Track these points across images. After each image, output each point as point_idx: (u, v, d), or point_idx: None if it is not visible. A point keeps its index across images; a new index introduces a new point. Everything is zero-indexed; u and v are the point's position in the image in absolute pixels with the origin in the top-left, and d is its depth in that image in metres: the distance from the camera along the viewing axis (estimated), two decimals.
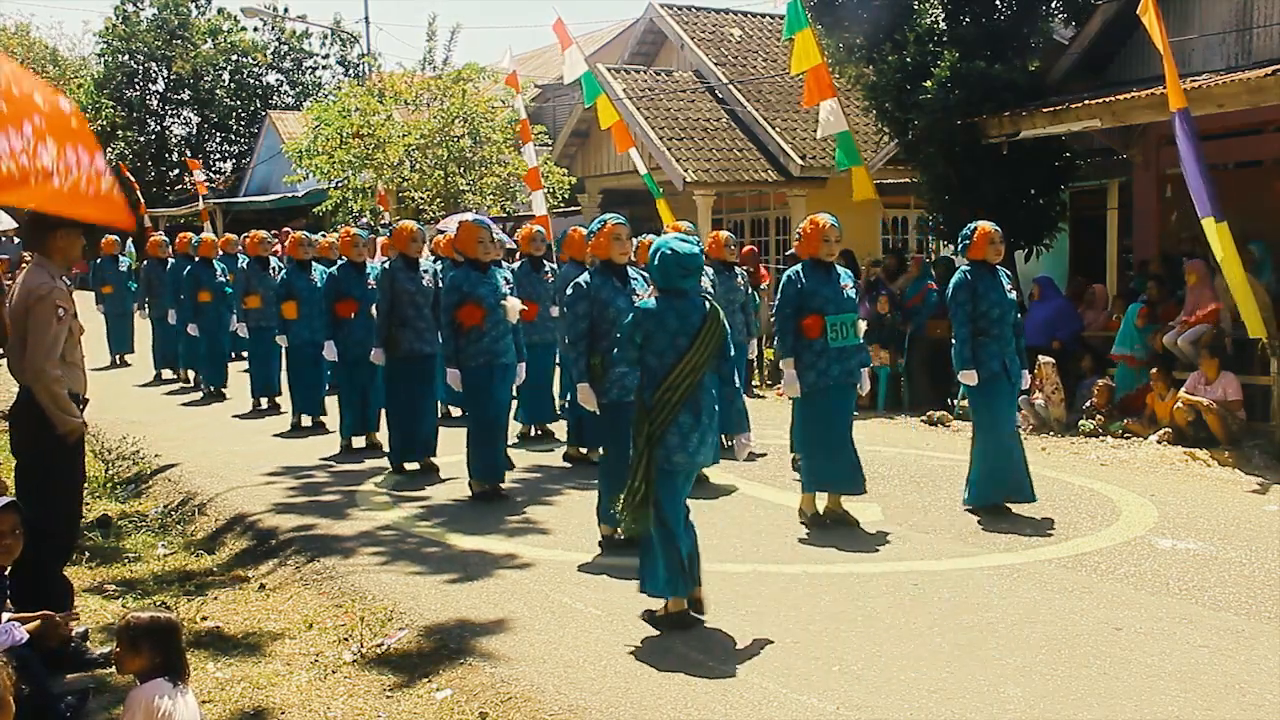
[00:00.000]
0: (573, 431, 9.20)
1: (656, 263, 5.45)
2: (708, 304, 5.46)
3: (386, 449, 9.13)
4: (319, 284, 10.82)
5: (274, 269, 12.07)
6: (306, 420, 11.15)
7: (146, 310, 15.53)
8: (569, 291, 6.67)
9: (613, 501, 5.72)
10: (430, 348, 9.01)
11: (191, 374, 14.65)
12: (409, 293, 8.90)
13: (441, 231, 15.28)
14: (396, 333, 8.87)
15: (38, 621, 4.39)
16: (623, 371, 5.99)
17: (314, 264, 11.41)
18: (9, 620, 4.29)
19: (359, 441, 9.94)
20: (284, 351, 11.47)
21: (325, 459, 9.61)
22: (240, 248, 13.86)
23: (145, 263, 15.82)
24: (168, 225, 30.84)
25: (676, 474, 5.32)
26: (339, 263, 10.10)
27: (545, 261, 10.36)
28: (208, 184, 33.06)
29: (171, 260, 14.97)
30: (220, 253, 14.57)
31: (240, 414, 12.10)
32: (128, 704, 3.75)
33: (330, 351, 9.72)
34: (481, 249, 7.90)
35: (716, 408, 5.42)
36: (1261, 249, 10.61)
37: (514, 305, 7.97)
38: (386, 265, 9.15)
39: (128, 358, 16.69)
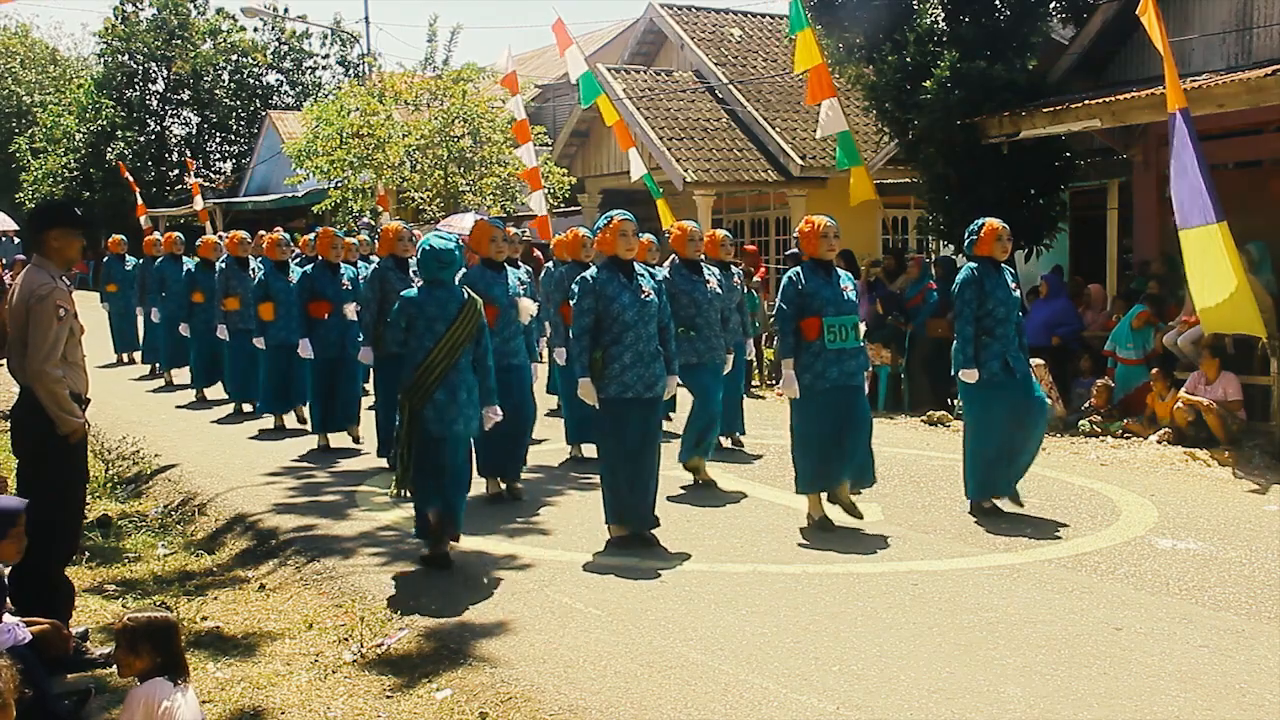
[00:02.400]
0: (571, 430, 9.28)
1: (419, 258, 6.39)
2: (467, 294, 6.34)
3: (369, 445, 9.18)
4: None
5: (253, 270, 12.04)
6: (285, 421, 11.13)
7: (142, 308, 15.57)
8: (574, 287, 6.68)
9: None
10: None
11: (167, 371, 14.57)
12: (397, 293, 8.91)
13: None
14: (382, 332, 8.91)
15: (46, 626, 4.38)
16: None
17: (290, 265, 11.35)
18: (15, 621, 4.29)
19: (335, 439, 9.96)
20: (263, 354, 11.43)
21: (300, 459, 9.59)
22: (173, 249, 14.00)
23: (141, 261, 15.83)
24: (168, 225, 30.83)
25: (437, 443, 6.13)
26: (314, 262, 10.08)
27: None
28: (206, 184, 33.08)
29: (159, 259, 15.02)
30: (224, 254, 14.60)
31: (219, 419, 11.89)
32: (127, 702, 3.75)
33: (306, 350, 9.71)
34: (494, 248, 7.92)
35: (474, 387, 6.30)
36: (1259, 249, 10.60)
37: (527, 306, 7.99)
38: (376, 265, 9.19)
39: (133, 356, 16.68)
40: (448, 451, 6.22)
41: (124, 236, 16.89)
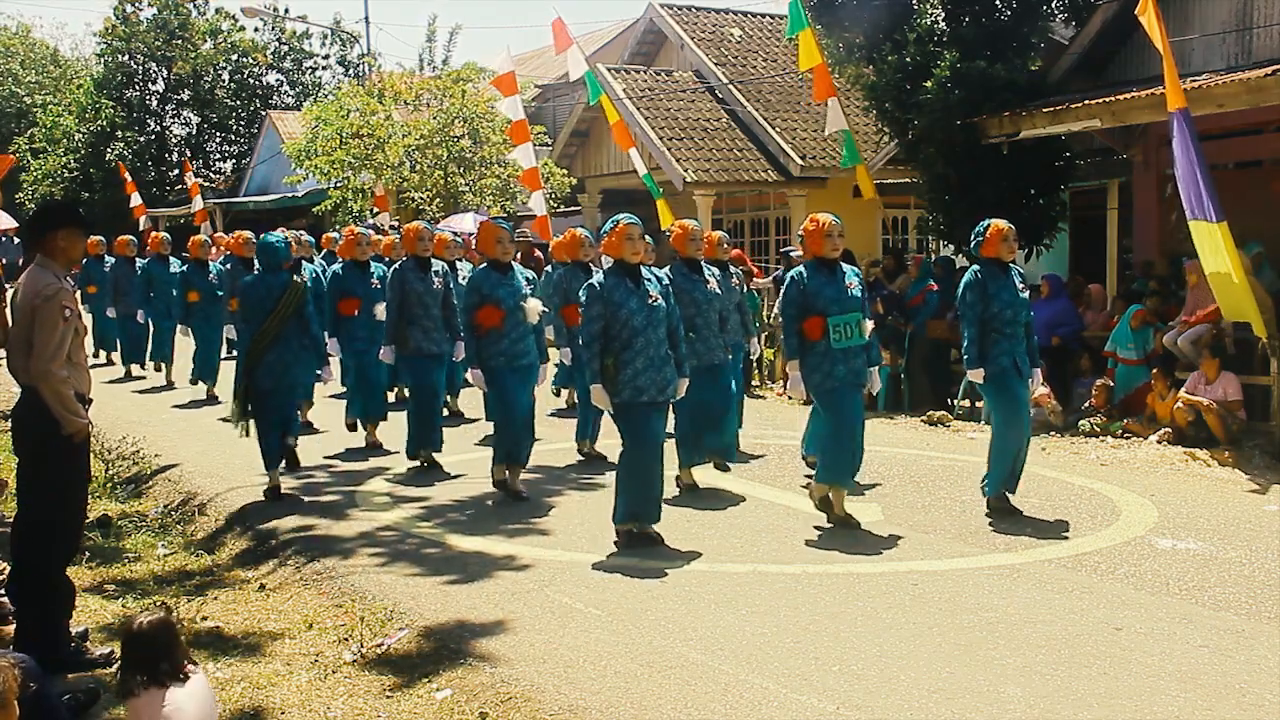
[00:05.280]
0: (581, 429, 9.30)
1: (255, 252, 8.75)
2: (292, 279, 8.08)
3: (399, 445, 9.17)
4: (308, 284, 10.78)
5: (258, 269, 11.99)
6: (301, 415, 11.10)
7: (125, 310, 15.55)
8: (582, 293, 6.67)
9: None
10: (438, 347, 9.15)
11: (163, 367, 14.55)
12: (418, 292, 9.05)
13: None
14: (405, 331, 8.99)
15: None
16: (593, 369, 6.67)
17: (304, 263, 11.34)
18: None
19: (365, 432, 10.01)
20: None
21: (328, 457, 9.62)
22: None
23: (115, 261, 15.81)
24: (168, 225, 30.83)
25: (269, 394, 7.95)
26: (342, 261, 10.20)
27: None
28: (206, 184, 33.05)
29: (142, 261, 14.99)
30: (224, 253, 14.64)
31: (219, 419, 11.71)
32: (129, 709, 3.77)
33: (334, 348, 9.77)
34: (500, 249, 7.92)
35: (300, 351, 8.04)
36: (1257, 249, 10.60)
37: (534, 306, 7.99)
38: (397, 265, 9.27)
39: (113, 356, 16.57)
40: (276, 400, 8.03)
41: (102, 238, 16.80)
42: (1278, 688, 4.58)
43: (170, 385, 14.17)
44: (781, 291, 7.32)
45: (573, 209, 22.41)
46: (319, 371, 8.48)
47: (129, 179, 26.87)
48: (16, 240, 26.23)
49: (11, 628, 5.17)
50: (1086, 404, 10.86)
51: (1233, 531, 7.05)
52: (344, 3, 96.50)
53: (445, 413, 11.16)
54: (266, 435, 8.09)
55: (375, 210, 20.65)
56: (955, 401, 11.62)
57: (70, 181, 36.30)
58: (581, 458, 9.31)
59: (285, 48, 40.87)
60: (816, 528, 7.10)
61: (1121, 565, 6.29)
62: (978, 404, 10.93)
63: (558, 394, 11.77)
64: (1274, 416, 9.44)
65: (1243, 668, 4.79)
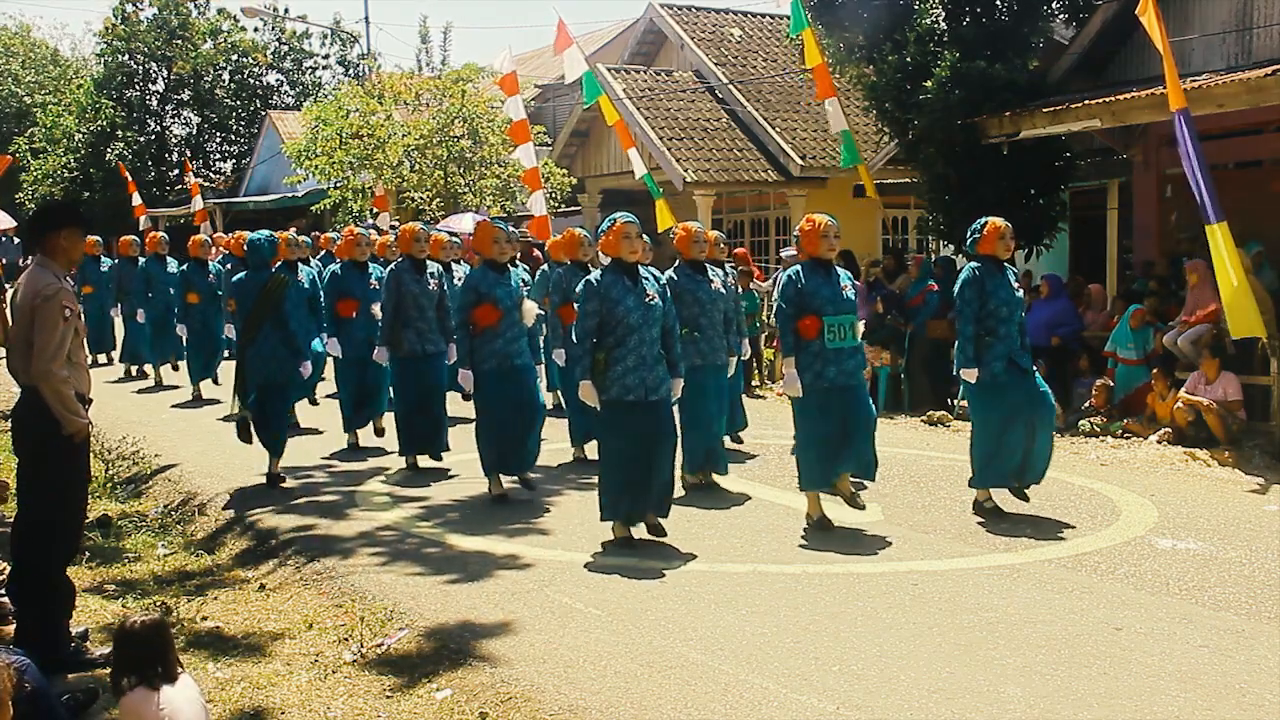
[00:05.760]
0: (575, 432, 9.30)
1: (245, 250, 9.10)
2: (274, 275, 8.51)
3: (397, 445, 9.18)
4: (305, 285, 10.80)
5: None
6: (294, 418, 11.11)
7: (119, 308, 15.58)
8: (579, 289, 6.69)
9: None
10: (433, 347, 9.11)
11: (158, 370, 14.57)
12: (413, 293, 9.02)
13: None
14: (399, 333, 8.96)
15: None
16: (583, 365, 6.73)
17: (300, 265, 11.34)
18: None
19: (364, 435, 9.99)
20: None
21: (327, 457, 9.63)
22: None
23: (117, 261, 15.82)
24: (168, 225, 30.83)
25: (263, 387, 8.33)
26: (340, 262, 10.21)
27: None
28: (206, 184, 33.06)
29: (141, 260, 15.04)
30: (222, 253, 14.65)
31: (219, 419, 11.77)
32: (122, 709, 3.76)
33: (335, 348, 9.77)
34: (497, 249, 7.91)
35: (285, 346, 8.40)
36: (1257, 248, 10.60)
37: (531, 307, 7.98)
38: (393, 265, 9.26)
39: (110, 356, 16.58)
40: (268, 395, 8.40)
41: (99, 238, 16.79)
42: (1278, 688, 4.58)
43: (173, 370, 14.18)
44: (778, 290, 7.32)
45: (573, 209, 22.41)
46: (298, 368, 8.62)
47: (129, 179, 26.87)
48: (16, 240, 26.24)
49: (11, 628, 5.17)
50: (1086, 404, 10.86)
51: (1233, 531, 7.05)
52: (344, 3, 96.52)
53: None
54: (264, 430, 8.40)
55: (375, 210, 20.64)
56: (955, 401, 11.61)
57: (70, 181, 36.29)
58: (580, 458, 9.31)
59: (285, 48, 40.87)
60: (819, 530, 7.10)
61: (1121, 565, 6.29)
62: None
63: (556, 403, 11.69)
64: (1274, 416, 9.44)
65: (1243, 668, 4.80)
